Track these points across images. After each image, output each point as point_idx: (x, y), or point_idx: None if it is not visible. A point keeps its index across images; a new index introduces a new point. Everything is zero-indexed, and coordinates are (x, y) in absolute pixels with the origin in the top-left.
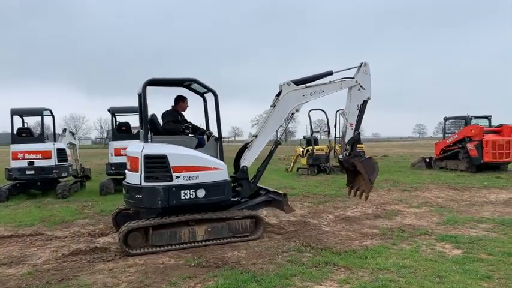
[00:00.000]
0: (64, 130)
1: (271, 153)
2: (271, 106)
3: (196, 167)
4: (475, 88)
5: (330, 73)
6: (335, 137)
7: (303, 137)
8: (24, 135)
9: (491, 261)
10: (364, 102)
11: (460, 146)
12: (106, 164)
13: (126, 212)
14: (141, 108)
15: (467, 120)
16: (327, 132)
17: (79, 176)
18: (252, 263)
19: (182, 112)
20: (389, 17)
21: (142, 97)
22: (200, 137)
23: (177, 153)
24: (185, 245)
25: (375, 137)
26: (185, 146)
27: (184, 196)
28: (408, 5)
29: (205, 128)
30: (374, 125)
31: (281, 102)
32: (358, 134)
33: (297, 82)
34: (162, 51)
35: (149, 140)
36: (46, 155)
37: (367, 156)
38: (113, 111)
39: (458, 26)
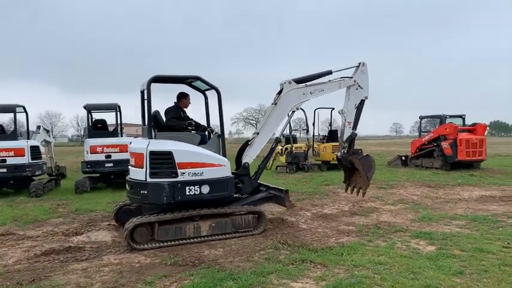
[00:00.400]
0: (38, 127)
1: (271, 150)
2: (272, 104)
3: (200, 163)
4: (450, 88)
5: (330, 72)
6: (313, 136)
7: (282, 135)
8: None
9: (463, 257)
10: (362, 101)
11: (435, 144)
12: (82, 162)
13: (128, 208)
14: (143, 105)
15: (442, 119)
16: (305, 131)
17: (54, 174)
18: (229, 261)
19: (184, 109)
20: (366, 17)
21: (146, 94)
22: (203, 134)
23: (182, 149)
24: (190, 240)
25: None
26: (188, 143)
27: (189, 192)
28: (386, 6)
29: (206, 124)
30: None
31: (282, 100)
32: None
33: (298, 81)
34: (139, 48)
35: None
36: (19, 152)
37: (365, 154)
38: (89, 108)
39: (436, 27)
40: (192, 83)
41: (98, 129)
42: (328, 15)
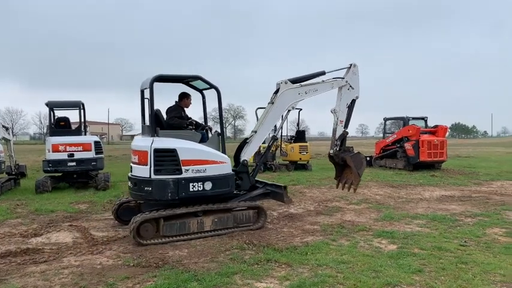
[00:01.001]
0: None
1: (268, 147)
2: (269, 103)
3: (203, 160)
4: (415, 90)
5: (323, 73)
6: (281, 136)
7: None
8: None
9: (423, 255)
10: (353, 101)
11: (398, 145)
12: (43, 160)
13: (128, 205)
14: (143, 104)
15: (405, 121)
16: (273, 131)
17: (13, 173)
18: (194, 262)
19: (185, 108)
20: (338, 18)
21: (149, 93)
22: (203, 132)
23: (186, 147)
24: (193, 235)
25: (320, 136)
26: (190, 141)
27: (192, 188)
28: (357, 7)
29: (203, 123)
30: (320, 124)
31: (279, 99)
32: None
33: (293, 81)
34: (106, 43)
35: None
36: None
37: (356, 151)
38: (51, 106)
39: (404, 29)
40: (191, 82)
41: (60, 127)
42: (298, 16)
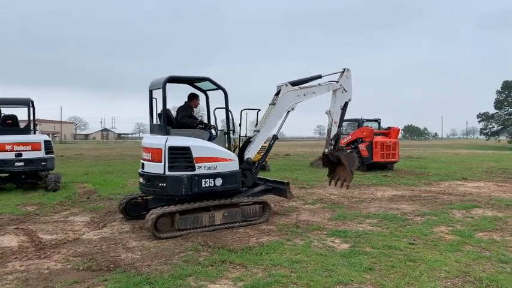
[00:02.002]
0: None
1: (270, 146)
2: (270, 104)
3: (215, 158)
4: (369, 93)
5: (319, 76)
6: (240, 136)
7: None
8: None
9: (374, 254)
10: (346, 103)
11: (353, 146)
12: None
13: (135, 201)
14: (151, 104)
15: (359, 122)
16: (232, 131)
17: None
18: (147, 264)
19: (194, 108)
20: (300, 20)
21: (162, 93)
22: (210, 131)
23: (199, 145)
24: (205, 229)
25: (279, 137)
26: (199, 139)
27: (204, 184)
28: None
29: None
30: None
31: (280, 100)
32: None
33: (293, 83)
34: (60, 37)
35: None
36: None
37: (349, 151)
38: None
39: (359, 33)
40: (196, 83)
41: (7, 125)
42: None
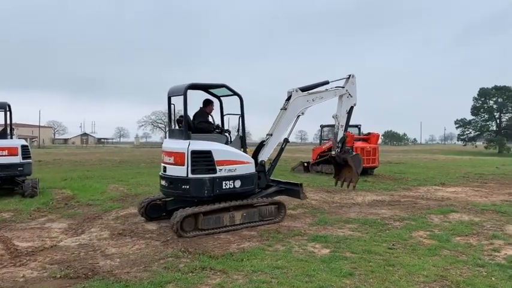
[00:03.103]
0: None
1: (282, 149)
2: (281, 109)
3: (234, 161)
4: None
5: (327, 82)
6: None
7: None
8: None
9: (354, 259)
10: (351, 108)
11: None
12: None
13: (155, 203)
14: (170, 109)
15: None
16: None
17: None
18: (126, 271)
19: (209, 113)
20: (278, 27)
21: (183, 99)
22: (227, 135)
23: (219, 149)
24: (227, 228)
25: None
26: (218, 143)
27: (225, 186)
28: (304, 15)
29: (223, 126)
30: (261, 130)
31: (291, 105)
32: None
33: (303, 89)
34: (39, 40)
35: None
36: None
37: (355, 153)
38: None
39: (338, 38)
40: (211, 90)
41: None
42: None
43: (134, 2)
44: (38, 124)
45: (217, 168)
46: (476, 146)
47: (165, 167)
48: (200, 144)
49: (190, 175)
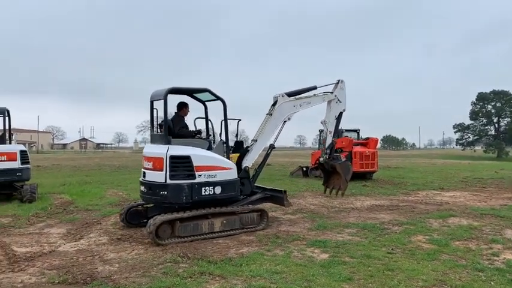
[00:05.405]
0: None
1: (267, 155)
2: (267, 114)
3: (214, 166)
4: (348, 103)
5: (315, 87)
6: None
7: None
8: None
9: (353, 263)
10: (340, 114)
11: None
12: None
13: (136, 209)
14: (152, 114)
15: (339, 132)
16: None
17: None
18: (124, 277)
19: (185, 117)
20: (280, 36)
21: (163, 104)
22: (209, 140)
23: (199, 154)
24: (205, 236)
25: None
26: (199, 148)
27: (204, 192)
28: (305, 23)
29: (205, 131)
30: None
31: (277, 111)
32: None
33: (289, 94)
34: (39, 45)
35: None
36: None
37: (344, 160)
38: None
39: (338, 43)
40: (195, 94)
41: None
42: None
43: (135, 9)
44: (36, 129)
45: (197, 173)
46: (475, 151)
47: (144, 173)
48: (179, 149)
49: (168, 181)
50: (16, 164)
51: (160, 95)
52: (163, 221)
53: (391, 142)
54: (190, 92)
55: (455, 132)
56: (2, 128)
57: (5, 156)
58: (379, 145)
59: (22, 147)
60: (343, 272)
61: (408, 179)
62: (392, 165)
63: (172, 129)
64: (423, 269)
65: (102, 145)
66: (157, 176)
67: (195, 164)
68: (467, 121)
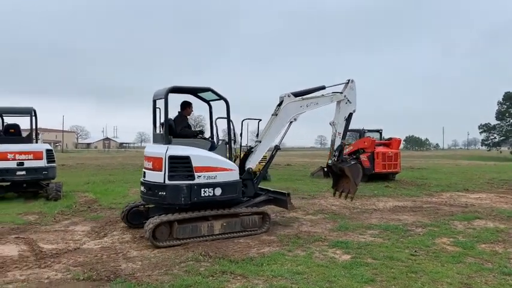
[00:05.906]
0: None
1: (272, 157)
2: (272, 115)
3: (214, 167)
4: (370, 103)
5: (323, 87)
6: (241, 146)
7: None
8: None
9: (375, 265)
10: (350, 115)
11: (354, 156)
12: None
13: (137, 210)
14: (155, 113)
15: (361, 133)
16: (233, 141)
17: None
18: (147, 274)
19: (188, 116)
20: (289, 36)
21: (164, 103)
22: (212, 141)
23: (198, 154)
24: (204, 238)
25: (281, 146)
26: (201, 148)
27: (204, 193)
28: (320, 22)
29: (209, 131)
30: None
31: (282, 111)
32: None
33: (296, 94)
34: (64, 49)
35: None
36: None
37: (353, 162)
38: (0, 112)
39: (360, 42)
40: (199, 94)
41: (10, 134)
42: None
43: (154, 10)
44: (61, 129)
45: (196, 174)
46: (501, 152)
47: (144, 173)
48: (179, 150)
49: (167, 181)
50: (42, 163)
51: (161, 94)
52: (160, 223)
53: (414, 142)
54: (192, 91)
55: (480, 132)
56: (29, 127)
57: (32, 155)
58: (401, 146)
59: (48, 147)
60: (365, 273)
61: (432, 180)
62: (416, 166)
63: (174, 128)
64: (448, 271)
65: (125, 144)
66: (157, 176)
67: (194, 164)
68: (493, 121)
